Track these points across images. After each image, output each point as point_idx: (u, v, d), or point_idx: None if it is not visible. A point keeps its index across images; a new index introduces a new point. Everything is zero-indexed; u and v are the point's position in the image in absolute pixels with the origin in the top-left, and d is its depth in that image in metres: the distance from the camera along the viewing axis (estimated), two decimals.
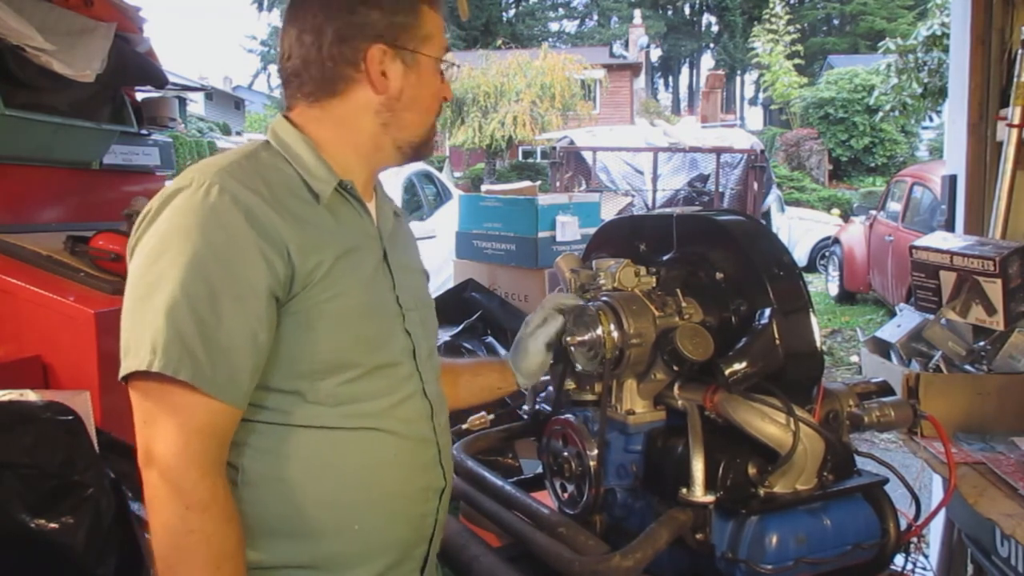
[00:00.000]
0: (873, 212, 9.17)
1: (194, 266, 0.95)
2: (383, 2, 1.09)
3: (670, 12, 42.74)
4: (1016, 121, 2.29)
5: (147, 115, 3.04)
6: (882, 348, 2.28)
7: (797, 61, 21.11)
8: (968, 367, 1.91)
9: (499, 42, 24.22)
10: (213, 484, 0.96)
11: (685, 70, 47.45)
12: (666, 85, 46.91)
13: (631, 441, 1.23)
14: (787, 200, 14.65)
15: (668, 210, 1.40)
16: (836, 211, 14.57)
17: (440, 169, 13.96)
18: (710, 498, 1.08)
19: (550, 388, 1.43)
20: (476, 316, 2.84)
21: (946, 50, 5.89)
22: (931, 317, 2.02)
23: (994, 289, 1.87)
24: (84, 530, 1.49)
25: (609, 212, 6.68)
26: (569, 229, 3.20)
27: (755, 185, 10.34)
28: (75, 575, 1.49)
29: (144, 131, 2.98)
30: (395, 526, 1.10)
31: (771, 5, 21.04)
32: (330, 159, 1.10)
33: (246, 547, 1.01)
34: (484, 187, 4.04)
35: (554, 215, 3.20)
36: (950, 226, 2.77)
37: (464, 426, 1.53)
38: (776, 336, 1.10)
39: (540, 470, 1.41)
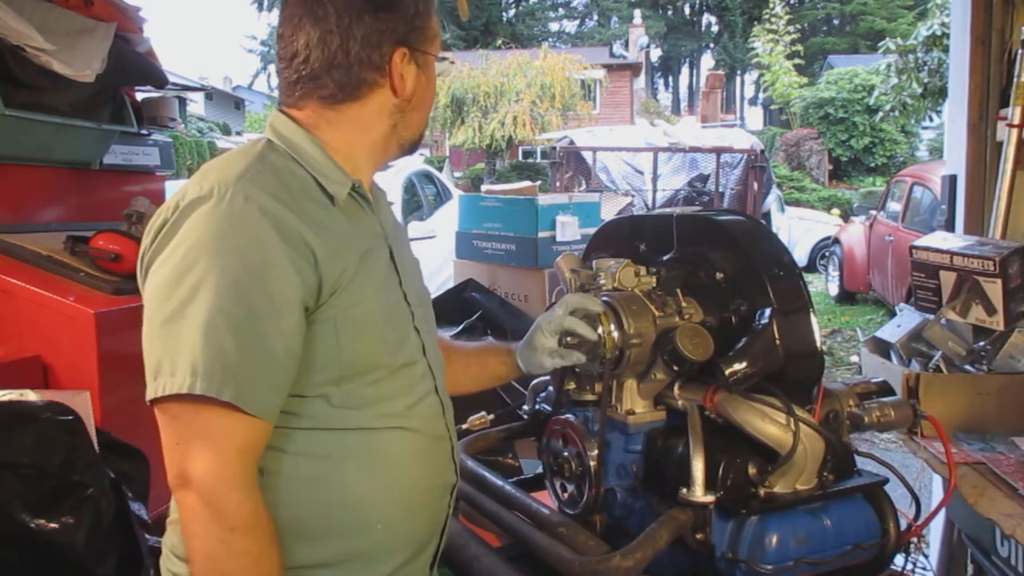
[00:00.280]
0: (873, 212, 9.17)
1: (227, 282, 0.92)
2: (405, 5, 1.08)
3: (670, 12, 42.73)
4: (1016, 121, 2.29)
5: (147, 115, 3.04)
6: (882, 348, 2.28)
7: (797, 61, 21.10)
8: (968, 367, 1.91)
9: (499, 42, 24.23)
10: (256, 505, 0.95)
11: (685, 70, 47.48)
12: (666, 85, 46.93)
13: (631, 441, 1.23)
14: (787, 200, 14.65)
15: (668, 210, 1.40)
16: (836, 211, 14.56)
17: (440, 169, 13.96)
18: (710, 498, 1.08)
19: (550, 388, 1.43)
20: (476, 316, 2.83)
21: (946, 50, 5.89)
22: (931, 317, 2.02)
23: (994, 289, 1.87)
24: (84, 530, 1.49)
25: (609, 212, 6.68)
26: (569, 229, 3.20)
27: (755, 185, 10.34)
28: (75, 575, 1.49)
29: (144, 131, 2.98)
30: (415, 522, 1.11)
31: (771, 5, 21.03)
32: (340, 159, 1.08)
33: None
34: (484, 187, 4.04)
35: (554, 215, 3.20)
36: (950, 226, 2.77)
37: (464, 426, 1.53)
38: (776, 336, 1.10)
39: (540, 470, 1.41)
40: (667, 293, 1.24)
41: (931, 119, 10.33)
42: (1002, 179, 2.32)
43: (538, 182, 6.87)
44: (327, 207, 1.05)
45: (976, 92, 2.57)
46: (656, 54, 39.78)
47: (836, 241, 9.98)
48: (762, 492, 1.10)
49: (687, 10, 43.61)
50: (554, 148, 12.13)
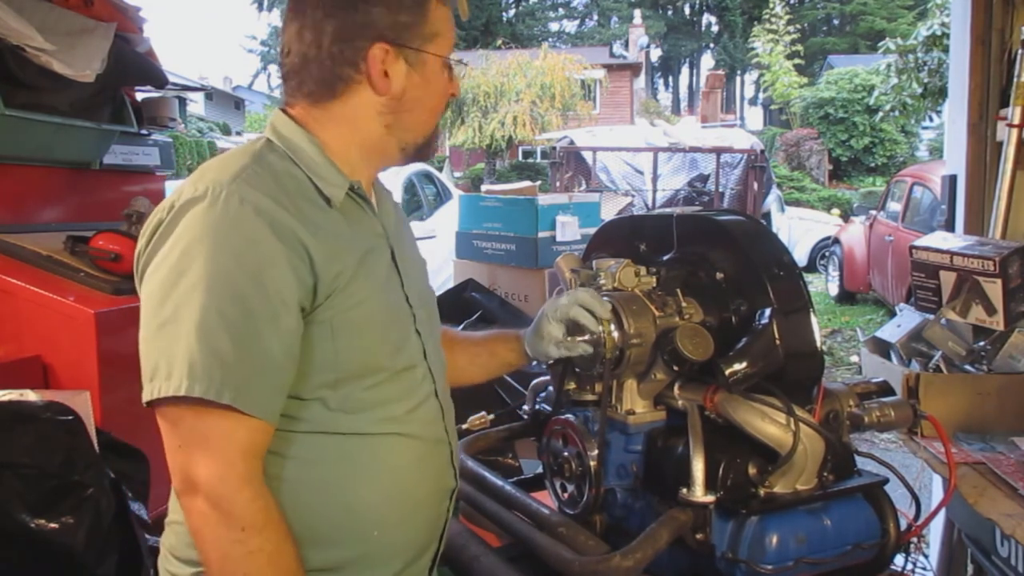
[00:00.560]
0: (873, 212, 9.17)
1: (223, 283, 0.91)
2: None
3: (670, 12, 42.73)
4: (1016, 121, 2.29)
5: (147, 115, 3.04)
6: (882, 348, 2.28)
7: (797, 61, 21.10)
8: (968, 367, 1.91)
9: (499, 42, 24.22)
10: (266, 503, 0.94)
11: (685, 70, 47.48)
12: (666, 85, 46.92)
13: (631, 441, 1.23)
14: (787, 200, 14.65)
15: (668, 210, 1.40)
16: (836, 211, 14.56)
17: (440, 169, 13.97)
18: (710, 498, 1.08)
19: (550, 388, 1.43)
20: (476, 316, 2.83)
21: (946, 50, 5.89)
22: (931, 317, 2.02)
23: (994, 289, 1.87)
24: (84, 530, 1.49)
25: (609, 212, 6.68)
26: (569, 229, 3.20)
27: (755, 185, 10.34)
28: (75, 575, 1.49)
29: (144, 131, 2.98)
30: (412, 528, 1.10)
31: (771, 5, 21.04)
32: (336, 159, 1.07)
33: None
34: (484, 187, 4.04)
35: (554, 215, 3.20)
36: (950, 226, 2.77)
37: (464, 426, 1.53)
38: (776, 336, 1.10)
39: (540, 470, 1.41)
40: (667, 293, 1.24)
41: (931, 119, 10.33)
42: (1002, 179, 2.32)
43: (538, 182, 6.87)
44: (324, 209, 1.03)
45: (976, 92, 2.57)
46: (656, 54, 39.78)
47: (836, 241, 9.99)
48: (762, 492, 1.10)
49: (687, 10, 43.61)
50: (554, 148, 12.13)
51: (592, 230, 1.81)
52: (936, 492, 2.47)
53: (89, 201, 2.74)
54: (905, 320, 2.29)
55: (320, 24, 1.04)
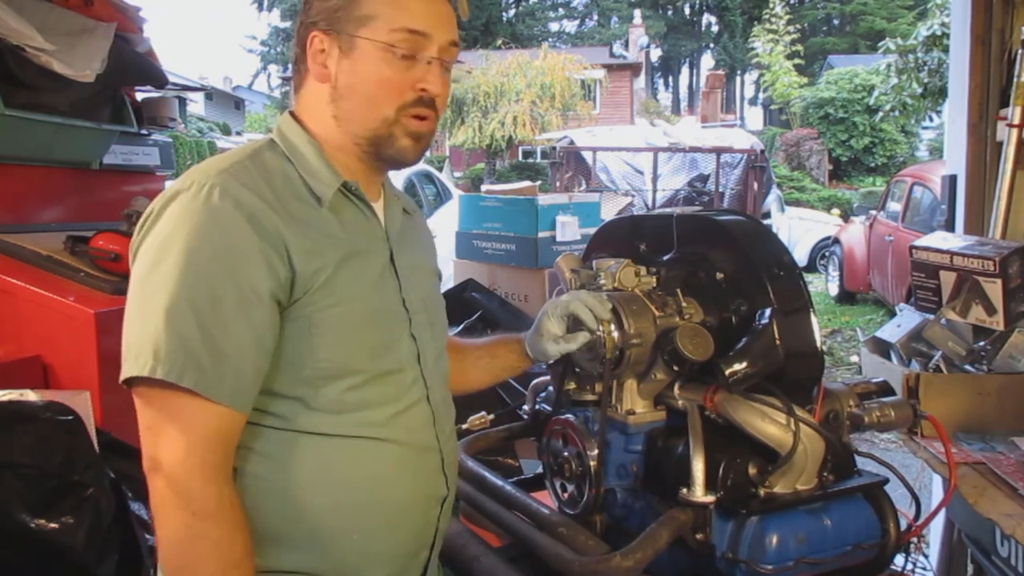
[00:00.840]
0: (873, 212, 9.17)
1: (196, 270, 0.93)
2: None
3: (670, 12, 42.73)
4: (1016, 121, 2.29)
5: (147, 115, 3.04)
6: (882, 348, 2.28)
7: (797, 61, 21.10)
8: (968, 367, 1.91)
9: (499, 42, 24.25)
10: (219, 491, 0.95)
11: (685, 70, 47.48)
12: (666, 85, 46.92)
13: (631, 441, 1.23)
14: (787, 200, 14.65)
15: (668, 210, 1.40)
16: (836, 211, 14.56)
17: (440, 169, 13.98)
18: (710, 498, 1.08)
19: (550, 388, 1.43)
20: (476, 316, 2.83)
21: (946, 50, 5.89)
22: (931, 317, 2.02)
23: (994, 289, 1.87)
24: (84, 530, 1.49)
25: (609, 212, 6.68)
26: (569, 229, 3.20)
27: (755, 185, 10.34)
28: (75, 575, 1.49)
29: (144, 131, 2.98)
30: (396, 535, 1.09)
31: (771, 5, 21.04)
32: (331, 158, 1.08)
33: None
34: (484, 187, 4.04)
35: (554, 215, 3.20)
36: (950, 226, 2.77)
37: (464, 426, 1.53)
38: (776, 336, 1.10)
39: (540, 470, 1.41)
40: (667, 293, 1.24)
41: (931, 119, 10.33)
42: (1002, 179, 2.32)
43: (538, 182, 6.87)
44: (314, 207, 1.04)
45: (976, 92, 2.58)
46: (656, 54, 39.80)
47: (836, 241, 9.99)
48: (762, 492, 1.10)
49: (687, 10, 43.61)
50: (554, 148, 12.13)
51: (592, 230, 1.81)
52: (936, 492, 2.47)
53: (89, 201, 2.75)
54: (905, 320, 2.29)
55: (300, 15, 1.09)
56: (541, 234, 3.15)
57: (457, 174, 19.15)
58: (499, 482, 1.37)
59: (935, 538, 2.37)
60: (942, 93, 7.81)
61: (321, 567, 1.04)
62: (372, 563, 1.07)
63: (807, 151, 19.21)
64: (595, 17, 42.47)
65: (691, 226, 1.29)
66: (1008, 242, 2.09)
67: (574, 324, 1.23)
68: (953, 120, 2.81)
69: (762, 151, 11.53)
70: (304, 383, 1.01)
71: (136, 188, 2.95)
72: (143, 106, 3.05)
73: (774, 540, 1.07)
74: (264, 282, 0.96)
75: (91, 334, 2.05)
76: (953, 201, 2.75)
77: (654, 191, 10.48)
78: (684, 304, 1.22)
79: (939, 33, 7.67)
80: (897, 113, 9.04)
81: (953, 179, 2.75)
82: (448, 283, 3.57)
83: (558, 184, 10.26)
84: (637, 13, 32.96)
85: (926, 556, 1.34)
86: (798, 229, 12.37)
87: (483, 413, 1.58)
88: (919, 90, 8.22)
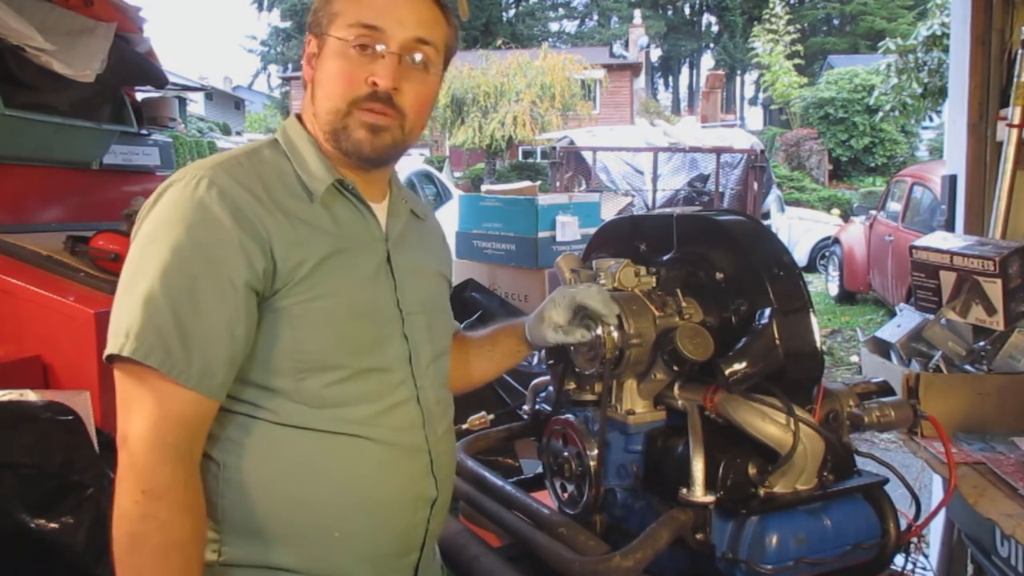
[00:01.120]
0: (873, 212, 9.17)
1: (175, 257, 0.96)
2: None
3: (670, 12, 42.74)
4: (1016, 121, 2.29)
5: (147, 115, 3.05)
6: (882, 348, 2.28)
7: (797, 61, 21.11)
8: (968, 367, 1.91)
9: (499, 42, 24.23)
10: (174, 471, 0.95)
11: (685, 70, 47.48)
12: (666, 85, 46.93)
13: (631, 441, 1.23)
14: (787, 200, 14.66)
15: (668, 210, 1.40)
16: (836, 211, 14.57)
17: (440, 169, 13.97)
18: (710, 498, 1.08)
19: (550, 388, 1.43)
20: (476, 316, 2.84)
21: (946, 50, 5.89)
22: (931, 317, 2.02)
23: (994, 289, 1.87)
24: (84, 530, 1.49)
25: (609, 212, 6.68)
26: (569, 229, 3.21)
27: (755, 185, 10.34)
28: (75, 575, 1.49)
29: (144, 131, 2.98)
30: (379, 535, 1.08)
31: (771, 5, 21.04)
32: (328, 156, 1.10)
33: (224, 543, 1.02)
34: (484, 187, 4.04)
35: (554, 215, 3.21)
36: (950, 226, 2.77)
37: (464, 426, 1.53)
38: (776, 336, 1.10)
39: (540, 470, 1.41)
40: (667, 293, 1.24)
41: (931, 119, 10.34)
42: (1002, 179, 2.32)
43: (538, 182, 6.87)
44: (306, 202, 1.06)
45: (976, 92, 2.58)
46: (656, 54, 39.81)
47: (836, 241, 9.99)
48: (762, 492, 1.10)
49: (687, 10, 43.62)
50: (554, 148, 12.14)
51: (592, 230, 1.81)
52: (936, 492, 2.47)
53: (89, 201, 2.75)
54: (905, 320, 2.29)
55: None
56: (541, 234, 3.16)
57: (457, 174, 19.15)
58: (499, 482, 1.37)
59: (935, 538, 2.37)
60: (942, 93, 7.82)
61: (303, 563, 1.04)
62: (356, 562, 1.07)
63: (807, 151, 19.21)
64: (595, 17, 42.48)
65: (691, 226, 1.29)
66: (1008, 242, 2.09)
67: (578, 316, 1.23)
68: (953, 120, 2.81)
69: (762, 151, 11.54)
70: (283, 374, 1.02)
71: (136, 188, 2.95)
72: (143, 106, 3.05)
73: (774, 540, 1.07)
74: (241, 273, 0.98)
75: (91, 334, 2.05)
76: (953, 201, 2.75)
77: (654, 191, 10.48)
78: (684, 304, 1.22)
79: (939, 33, 7.67)
80: (897, 113, 9.05)
81: (953, 179, 2.75)
82: None
83: (558, 184, 10.26)
84: (637, 13, 32.97)
85: (926, 556, 1.34)
86: (798, 229, 12.37)
87: (483, 413, 1.58)
88: (919, 90, 8.22)
